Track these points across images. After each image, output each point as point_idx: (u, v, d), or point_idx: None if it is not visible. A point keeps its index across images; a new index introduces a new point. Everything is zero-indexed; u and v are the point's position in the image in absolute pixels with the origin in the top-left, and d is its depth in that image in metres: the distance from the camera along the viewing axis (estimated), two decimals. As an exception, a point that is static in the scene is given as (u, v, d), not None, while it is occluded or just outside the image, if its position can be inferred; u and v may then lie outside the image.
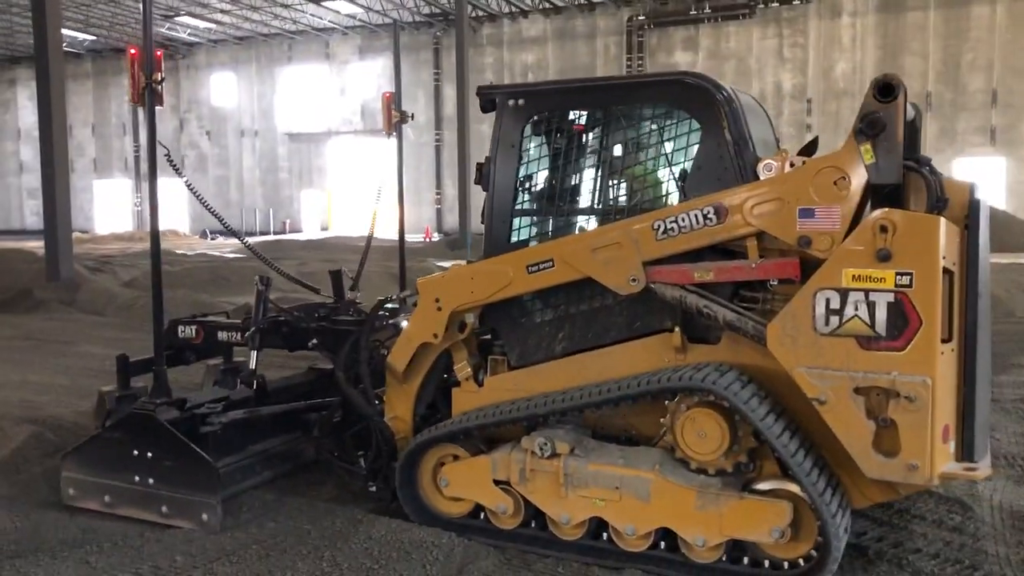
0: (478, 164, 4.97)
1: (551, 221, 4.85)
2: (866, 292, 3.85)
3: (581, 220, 4.80)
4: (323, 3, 34.10)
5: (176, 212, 42.04)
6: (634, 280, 4.37)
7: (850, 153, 4.02)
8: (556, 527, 4.53)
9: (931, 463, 3.80)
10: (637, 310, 4.51)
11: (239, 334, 6.04)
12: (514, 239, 4.82)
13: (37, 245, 20.41)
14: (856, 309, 3.87)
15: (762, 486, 4.15)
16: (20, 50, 41.03)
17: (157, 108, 5.03)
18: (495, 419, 4.58)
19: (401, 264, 7.64)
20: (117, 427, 5.15)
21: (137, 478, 4.95)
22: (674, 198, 4.58)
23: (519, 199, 4.85)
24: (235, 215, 41.15)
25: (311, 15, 36.05)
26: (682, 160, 4.54)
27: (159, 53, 5.09)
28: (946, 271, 3.86)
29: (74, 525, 4.92)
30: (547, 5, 34.70)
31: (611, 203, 4.76)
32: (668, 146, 4.60)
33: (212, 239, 36.62)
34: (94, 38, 39.40)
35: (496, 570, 4.32)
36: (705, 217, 4.24)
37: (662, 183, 4.72)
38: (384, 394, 5.18)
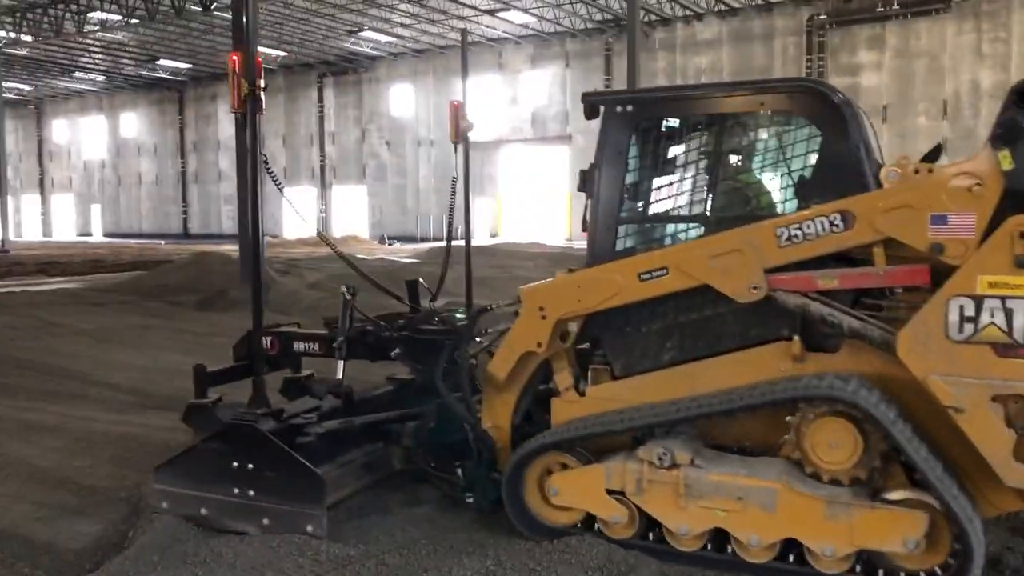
0: (582, 171, 4.93)
1: (659, 229, 4.86)
2: (1003, 299, 3.82)
3: (691, 228, 4.76)
4: (497, 14, 34.90)
5: (357, 218, 44.30)
6: (755, 288, 4.34)
7: (987, 159, 3.97)
8: (673, 538, 4.49)
9: None
10: (753, 318, 4.47)
11: (318, 344, 5.94)
12: (619, 247, 4.79)
13: (232, 248, 22.06)
14: (992, 316, 3.84)
15: (893, 496, 4.10)
16: (220, 67, 44.34)
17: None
18: (635, 423, 4.55)
19: (467, 272, 7.27)
20: (215, 438, 5.06)
21: (236, 490, 4.83)
22: (791, 205, 4.56)
23: (625, 207, 4.83)
24: (411, 222, 42.86)
25: (485, 26, 37.01)
26: (801, 167, 4.54)
27: (259, 60, 4.94)
28: None
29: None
30: (723, 7, 34.05)
31: (724, 211, 4.71)
32: (786, 153, 4.60)
33: (390, 244, 38.26)
34: (285, 54, 42.04)
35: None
36: (832, 224, 4.22)
37: (778, 190, 4.72)
38: (480, 403, 5.17)
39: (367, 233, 42.76)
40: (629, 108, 4.81)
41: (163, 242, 44.06)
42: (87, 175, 55.06)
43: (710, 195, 4.75)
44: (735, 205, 4.76)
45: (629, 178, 4.83)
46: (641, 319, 4.73)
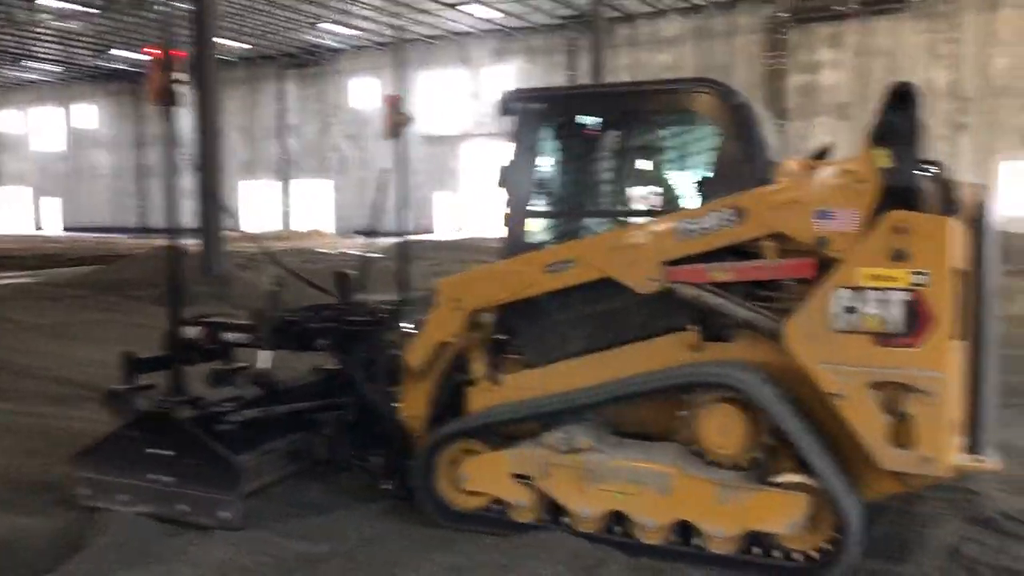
0: (500, 167, 5.12)
1: (568, 223, 5.05)
2: (881, 291, 4.06)
3: (598, 223, 4.99)
4: (460, 7, 34.73)
5: (321, 212, 43.88)
6: (653, 279, 4.55)
7: (867, 157, 4.21)
8: (575, 520, 4.69)
9: (944, 455, 4.03)
10: (654, 309, 4.69)
11: (247, 335, 5.98)
12: (531, 241, 5.01)
13: (193, 242, 21.63)
14: (872, 307, 4.08)
15: (779, 479, 4.34)
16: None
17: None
18: (531, 412, 4.79)
19: (402, 265, 7.23)
20: (132, 426, 5.16)
21: (154, 476, 4.96)
22: (691, 201, 4.80)
23: (537, 202, 5.04)
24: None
25: (449, 20, 36.80)
26: (701, 164, 4.77)
27: (182, 54, 5.14)
28: (958, 272, 4.09)
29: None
30: (685, 4, 34.21)
31: (628, 206, 4.97)
32: (686, 151, 4.84)
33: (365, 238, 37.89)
34: (247, 47, 41.45)
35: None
36: (725, 219, 4.43)
37: (680, 187, 4.93)
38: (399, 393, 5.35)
39: (332, 227, 42.36)
40: (540, 106, 4.99)
41: (125, 236, 43.27)
42: (42, 167, 53.87)
43: (615, 191, 4.95)
44: (639, 201, 4.98)
45: (540, 174, 5.01)
46: (551, 310, 4.92)
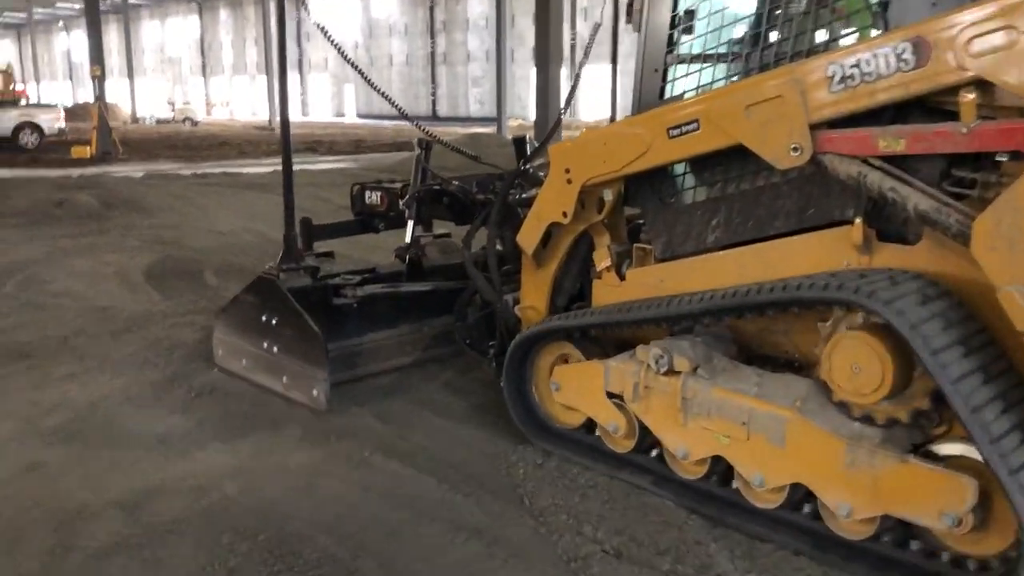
0: (629, 1, 4.01)
1: (714, 69, 3.78)
2: None
3: (751, 67, 3.65)
4: None
5: (601, 101, 43.26)
6: (796, 149, 3.25)
7: None
8: (674, 461, 3.81)
9: None
10: (811, 192, 3.43)
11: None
12: (668, 94, 3.89)
13: (485, 130, 21.58)
14: None
15: (945, 449, 3.07)
16: (473, -58, 44.02)
17: None
18: (588, 321, 4.06)
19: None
20: (249, 290, 5.14)
21: (265, 344, 4.93)
22: (872, 32, 3.36)
23: (677, 41, 3.90)
24: (663, 105, 41.13)
25: None
26: None
27: None
28: None
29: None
30: None
31: (790, 43, 3.52)
32: None
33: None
34: (540, -75, 40.91)
35: None
36: (899, 57, 3.01)
37: (859, 12, 3.50)
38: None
39: (617, 116, 41.64)
40: None
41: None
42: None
43: (774, 23, 3.64)
44: (803, 36, 3.54)
45: (682, 4, 3.91)
46: (684, 188, 3.90)
